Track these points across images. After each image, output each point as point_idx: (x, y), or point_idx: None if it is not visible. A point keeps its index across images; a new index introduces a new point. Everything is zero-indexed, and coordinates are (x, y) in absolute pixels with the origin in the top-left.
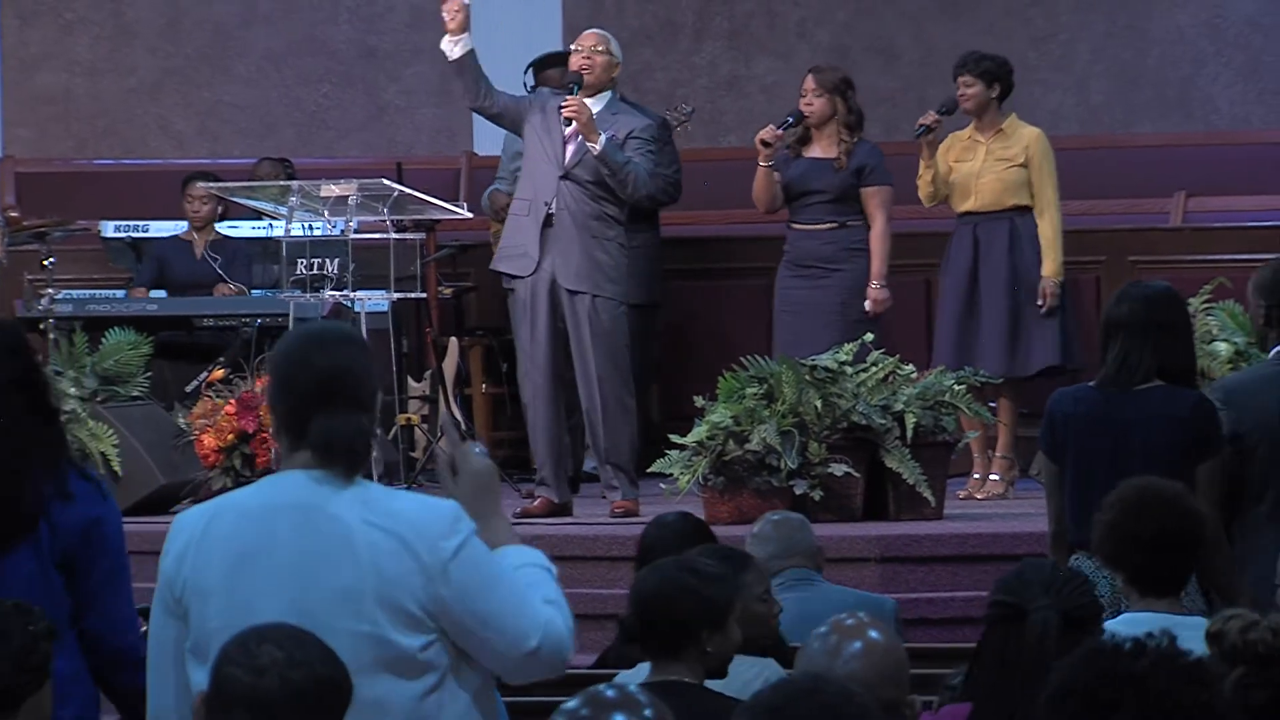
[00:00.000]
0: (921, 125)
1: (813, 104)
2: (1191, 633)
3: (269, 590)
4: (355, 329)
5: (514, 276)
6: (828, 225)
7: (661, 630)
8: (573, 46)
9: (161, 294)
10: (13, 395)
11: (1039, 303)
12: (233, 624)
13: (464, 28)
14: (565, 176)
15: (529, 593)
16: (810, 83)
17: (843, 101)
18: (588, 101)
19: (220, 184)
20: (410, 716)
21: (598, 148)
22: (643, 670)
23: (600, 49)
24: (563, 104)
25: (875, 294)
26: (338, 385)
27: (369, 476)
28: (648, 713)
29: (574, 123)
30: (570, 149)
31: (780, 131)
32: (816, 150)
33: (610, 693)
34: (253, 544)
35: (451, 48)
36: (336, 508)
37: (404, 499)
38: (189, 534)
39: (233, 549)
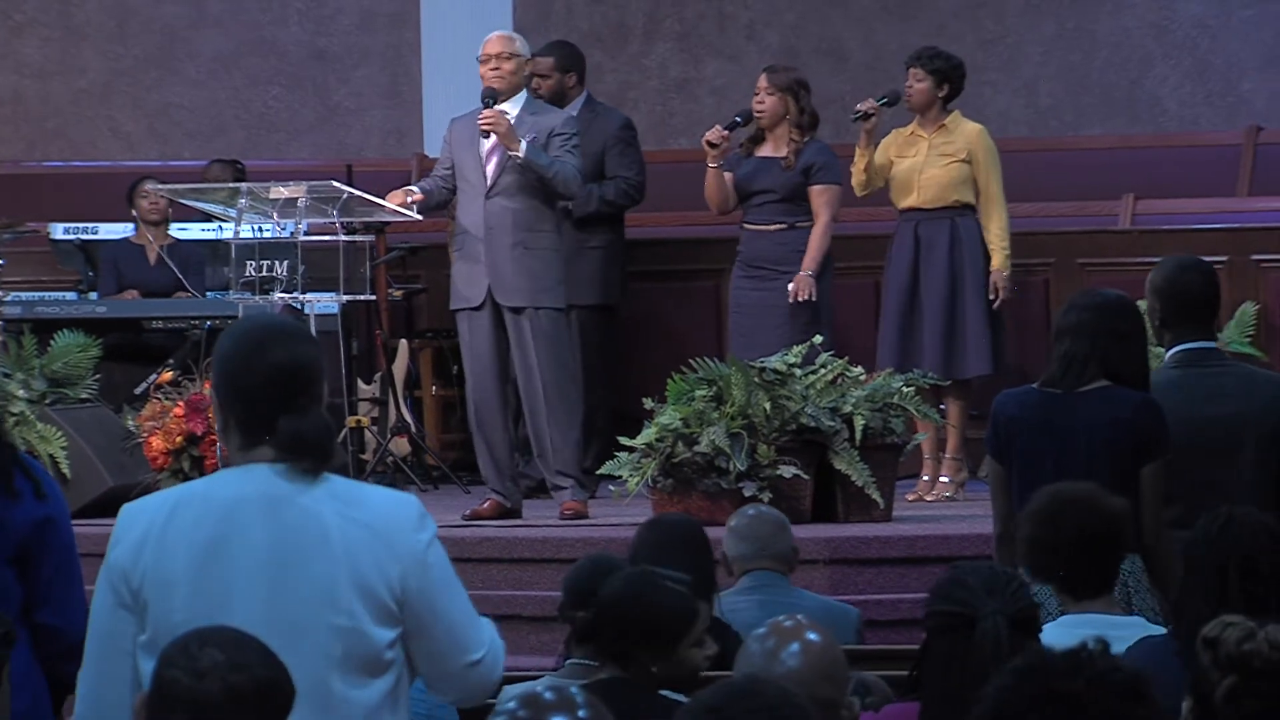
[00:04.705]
0: (859, 111)
1: (765, 103)
2: (1126, 633)
3: (242, 583)
4: (300, 321)
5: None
6: (777, 226)
7: (608, 636)
8: (478, 56)
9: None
10: None
11: (991, 296)
12: (199, 617)
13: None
14: (489, 195)
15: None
16: (763, 82)
17: (795, 102)
18: (503, 106)
19: (169, 186)
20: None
21: (521, 154)
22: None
23: (506, 54)
24: (480, 119)
25: (801, 279)
26: (300, 381)
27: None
28: (583, 714)
29: (493, 135)
30: (491, 166)
31: (726, 132)
32: (768, 150)
33: (548, 694)
34: (221, 535)
35: (413, 212)
36: (307, 500)
37: (371, 491)
38: (148, 523)
39: (199, 540)
